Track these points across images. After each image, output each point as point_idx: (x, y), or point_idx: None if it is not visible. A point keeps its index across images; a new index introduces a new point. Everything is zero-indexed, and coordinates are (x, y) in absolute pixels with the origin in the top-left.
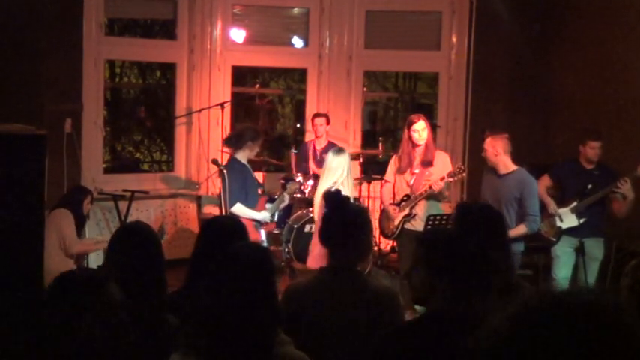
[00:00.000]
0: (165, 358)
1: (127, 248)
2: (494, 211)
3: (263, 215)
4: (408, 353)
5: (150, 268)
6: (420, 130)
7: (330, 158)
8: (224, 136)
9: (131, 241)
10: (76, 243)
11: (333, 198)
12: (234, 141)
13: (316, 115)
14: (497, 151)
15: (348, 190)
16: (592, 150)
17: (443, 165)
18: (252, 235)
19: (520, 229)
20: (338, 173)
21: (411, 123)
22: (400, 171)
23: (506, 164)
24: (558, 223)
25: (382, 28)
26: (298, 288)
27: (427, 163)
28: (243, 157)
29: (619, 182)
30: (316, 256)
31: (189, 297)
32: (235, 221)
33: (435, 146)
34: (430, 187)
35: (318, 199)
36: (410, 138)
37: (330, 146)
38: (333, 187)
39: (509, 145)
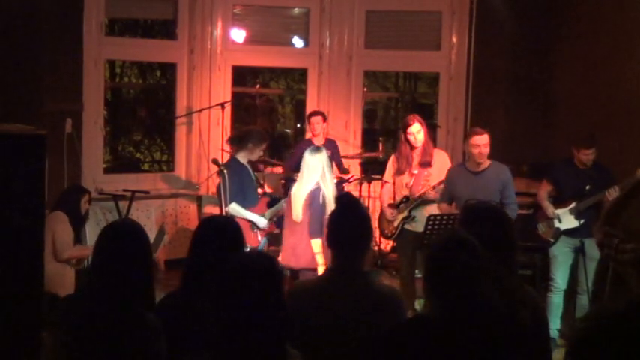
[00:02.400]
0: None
1: (112, 246)
2: (501, 211)
3: (259, 219)
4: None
5: (136, 267)
6: (416, 132)
7: (308, 158)
8: (224, 136)
9: (117, 239)
10: (68, 249)
11: (344, 200)
12: (236, 141)
13: (312, 114)
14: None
15: (329, 189)
16: (585, 157)
17: (442, 164)
18: (248, 236)
19: None
20: (318, 173)
21: (407, 126)
22: (399, 172)
23: (486, 160)
24: (557, 225)
25: (382, 28)
26: (303, 288)
27: (426, 164)
28: (243, 157)
29: (609, 191)
30: (288, 250)
31: (186, 298)
32: (229, 221)
33: (432, 145)
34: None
35: (300, 199)
36: (407, 140)
37: (329, 143)
38: (315, 187)
39: None
